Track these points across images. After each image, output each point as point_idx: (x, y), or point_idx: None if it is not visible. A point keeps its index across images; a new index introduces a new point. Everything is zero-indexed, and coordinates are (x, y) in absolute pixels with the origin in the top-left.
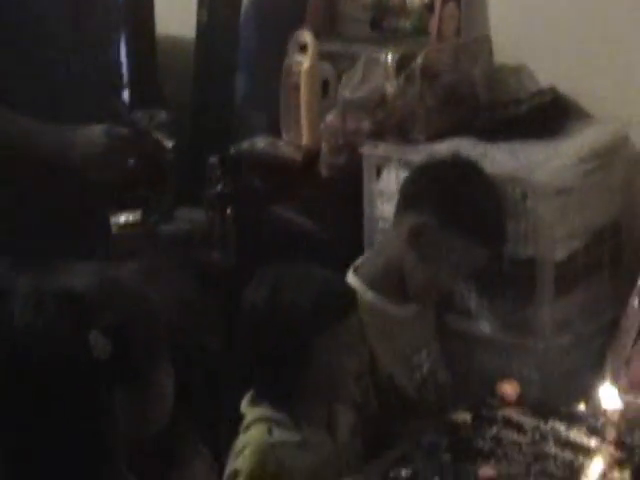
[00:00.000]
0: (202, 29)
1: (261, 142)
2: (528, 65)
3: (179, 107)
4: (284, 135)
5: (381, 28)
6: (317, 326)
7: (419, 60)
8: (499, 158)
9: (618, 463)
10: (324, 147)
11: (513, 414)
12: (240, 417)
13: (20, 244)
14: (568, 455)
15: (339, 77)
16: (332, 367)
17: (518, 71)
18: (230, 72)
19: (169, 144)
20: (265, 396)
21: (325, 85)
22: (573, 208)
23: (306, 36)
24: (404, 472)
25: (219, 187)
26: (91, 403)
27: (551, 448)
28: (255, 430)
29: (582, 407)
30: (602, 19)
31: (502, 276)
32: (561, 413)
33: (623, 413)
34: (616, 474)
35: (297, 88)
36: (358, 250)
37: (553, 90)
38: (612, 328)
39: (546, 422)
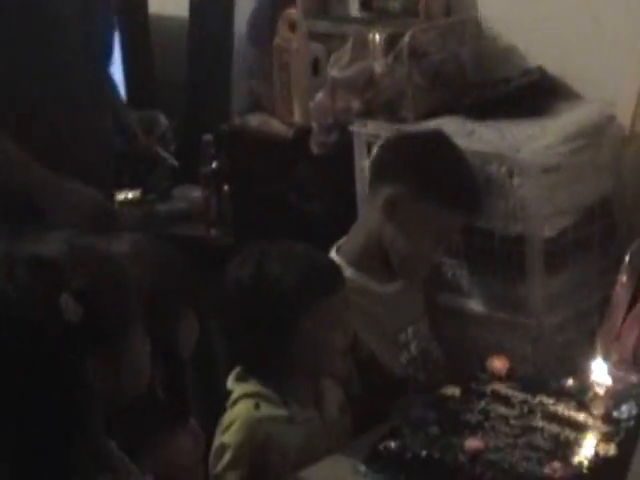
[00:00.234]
0: (195, 7)
1: (253, 119)
2: (516, 46)
3: (174, 85)
4: (276, 113)
5: (371, 8)
6: (302, 302)
7: (406, 39)
8: (486, 136)
9: (605, 437)
10: (314, 125)
11: (502, 388)
12: (227, 393)
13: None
14: (555, 428)
15: (329, 56)
16: (318, 343)
17: (506, 51)
18: (224, 50)
19: (172, 160)
20: (252, 372)
21: (316, 64)
22: (560, 186)
23: (295, 15)
24: (392, 445)
25: (214, 164)
26: (63, 367)
27: (538, 421)
28: (242, 405)
29: (571, 382)
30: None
31: (492, 253)
32: (550, 388)
33: (611, 388)
34: (603, 447)
35: (287, 67)
36: (350, 227)
37: (541, 70)
38: (604, 305)
39: (534, 396)
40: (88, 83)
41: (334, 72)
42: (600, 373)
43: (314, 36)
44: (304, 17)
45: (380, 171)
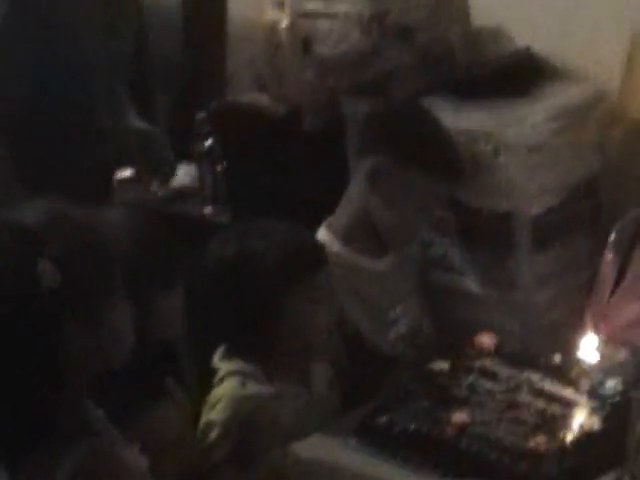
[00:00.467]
0: None
1: (244, 97)
2: (504, 26)
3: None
4: (268, 91)
5: None
6: (285, 280)
7: (392, 16)
8: (474, 115)
9: (590, 412)
10: (306, 103)
11: (489, 364)
12: (213, 371)
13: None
14: (541, 404)
15: (319, 35)
16: (302, 321)
17: (495, 32)
18: (218, 27)
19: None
20: (237, 351)
21: (306, 43)
22: (547, 164)
23: None
24: (381, 419)
25: (208, 143)
26: (42, 331)
27: (524, 397)
28: (228, 383)
29: (557, 358)
30: None
31: (481, 231)
32: (537, 364)
33: (597, 364)
34: (588, 423)
35: (278, 45)
36: None
37: (528, 50)
38: (591, 283)
39: (521, 372)
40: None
41: (323, 51)
42: (587, 349)
43: (304, 14)
44: None
45: (362, 144)
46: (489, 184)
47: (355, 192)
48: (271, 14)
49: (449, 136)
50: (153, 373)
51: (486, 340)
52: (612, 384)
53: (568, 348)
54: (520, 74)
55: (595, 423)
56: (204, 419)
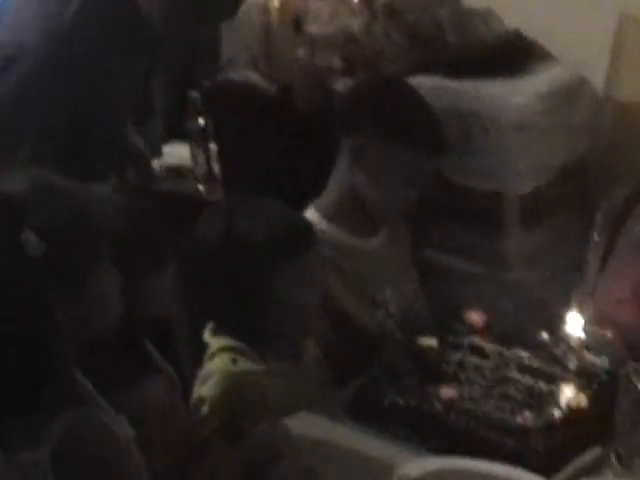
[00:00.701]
0: None
1: (236, 75)
2: (494, 8)
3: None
4: (259, 69)
5: None
6: (274, 262)
7: None
8: (463, 95)
9: (577, 390)
10: (297, 82)
11: (478, 341)
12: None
13: None
14: (529, 380)
15: (309, 14)
16: (292, 302)
17: (484, 14)
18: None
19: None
20: (226, 329)
21: (297, 21)
22: (535, 144)
23: None
24: (371, 394)
25: (200, 121)
26: (27, 301)
27: (513, 373)
28: (219, 360)
29: (546, 336)
30: None
31: (470, 210)
32: (525, 341)
33: (585, 342)
34: (575, 400)
35: (270, 24)
36: None
37: (517, 32)
38: (580, 262)
39: (510, 349)
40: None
41: (314, 30)
42: (575, 328)
43: None
44: None
45: (345, 122)
46: (478, 163)
47: (341, 171)
48: None
49: (429, 108)
50: (141, 348)
51: (475, 317)
52: (599, 362)
53: (556, 326)
54: (509, 55)
55: (582, 400)
56: (195, 394)
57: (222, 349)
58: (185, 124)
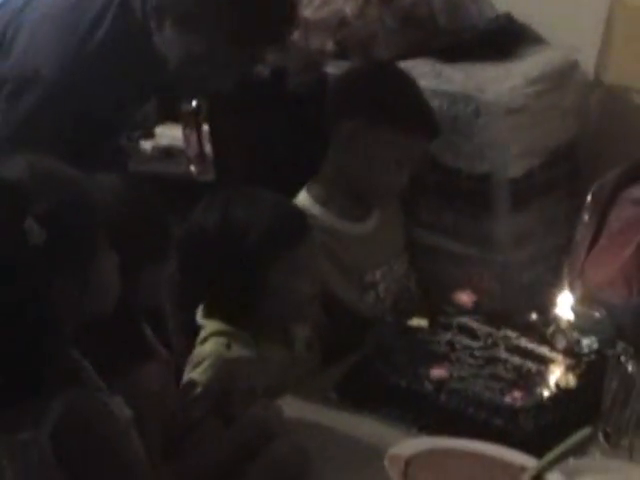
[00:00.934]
0: None
1: None
2: None
3: None
4: None
5: None
6: (269, 253)
7: None
8: (454, 78)
9: (566, 370)
10: (290, 65)
11: (468, 321)
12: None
13: None
14: (518, 360)
15: None
16: (286, 292)
17: None
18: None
19: None
20: (219, 315)
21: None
22: (525, 127)
23: None
24: (362, 374)
25: (194, 103)
26: (28, 287)
27: (502, 353)
28: (213, 344)
29: (534, 316)
30: None
31: (461, 192)
32: (514, 322)
33: (573, 323)
34: (563, 380)
35: None
36: None
37: (508, 16)
38: (568, 243)
39: (499, 329)
40: None
41: (307, 13)
42: (564, 308)
43: None
44: None
45: (337, 107)
46: (469, 146)
47: (334, 155)
48: None
49: (420, 92)
50: (138, 331)
51: (465, 298)
52: (587, 342)
53: (545, 306)
54: (500, 39)
55: (571, 380)
56: (186, 376)
57: (216, 333)
58: (179, 106)
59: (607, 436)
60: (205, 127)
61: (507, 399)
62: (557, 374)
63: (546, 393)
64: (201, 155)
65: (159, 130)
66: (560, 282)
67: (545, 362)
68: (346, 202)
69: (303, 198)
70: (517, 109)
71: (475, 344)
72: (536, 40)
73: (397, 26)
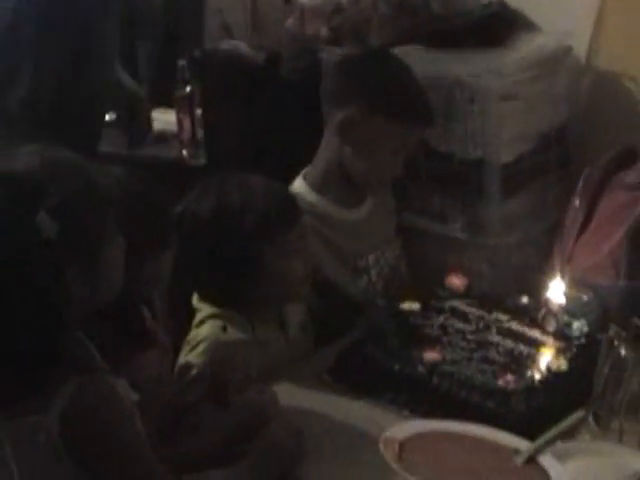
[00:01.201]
0: None
1: (225, 45)
2: None
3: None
4: (247, 39)
5: None
6: (263, 237)
7: None
8: (448, 64)
9: (557, 353)
10: (285, 51)
11: (460, 305)
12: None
13: None
14: (509, 344)
15: None
16: (280, 274)
17: None
18: None
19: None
20: (213, 300)
21: None
22: (518, 113)
23: None
24: (355, 356)
25: (187, 89)
26: (40, 278)
27: (494, 337)
28: (209, 327)
29: (525, 300)
30: None
31: (453, 176)
32: (505, 305)
33: (563, 306)
34: (554, 363)
35: None
36: None
37: (501, 2)
38: (558, 228)
39: (490, 313)
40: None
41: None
42: (554, 292)
43: None
44: None
45: (331, 95)
46: (462, 131)
47: (328, 144)
48: None
49: (415, 79)
50: (139, 317)
51: (457, 281)
52: (578, 326)
53: (536, 290)
54: (493, 25)
55: (562, 363)
56: (183, 359)
57: (211, 316)
58: (174, 92)
59: (598, 419)
60: (198, 112)
61: (499, 382)
62: (548, 357)
63: (537, 376)
64: (193, 140)
65: (153, 114)
66: (550, 266)
67: (536, 345)
68: (341, 189)
69: (299, 185)
70: (511, 95)
71: (467, 327)
72: (529, 26)
73: (391, 13)
